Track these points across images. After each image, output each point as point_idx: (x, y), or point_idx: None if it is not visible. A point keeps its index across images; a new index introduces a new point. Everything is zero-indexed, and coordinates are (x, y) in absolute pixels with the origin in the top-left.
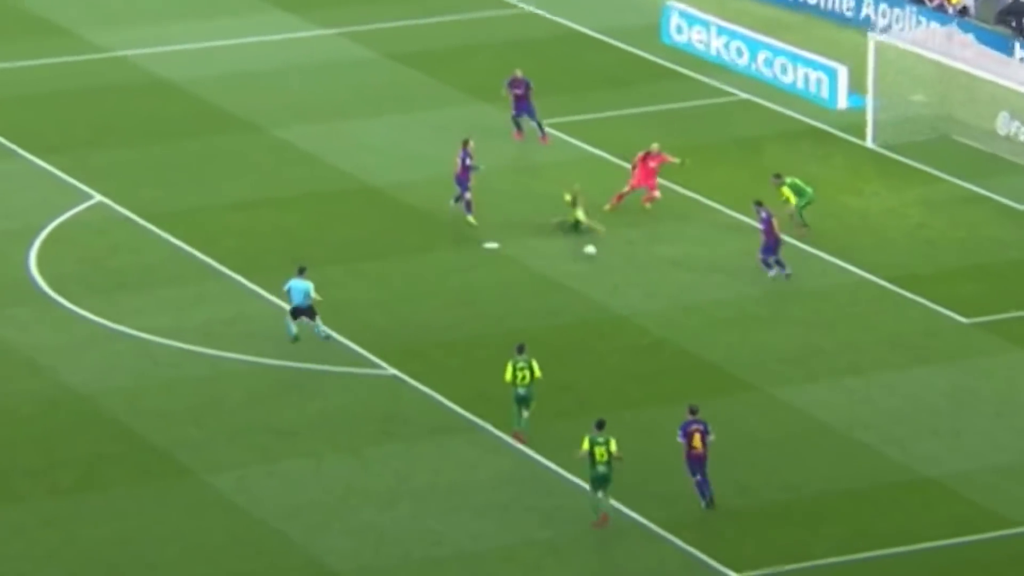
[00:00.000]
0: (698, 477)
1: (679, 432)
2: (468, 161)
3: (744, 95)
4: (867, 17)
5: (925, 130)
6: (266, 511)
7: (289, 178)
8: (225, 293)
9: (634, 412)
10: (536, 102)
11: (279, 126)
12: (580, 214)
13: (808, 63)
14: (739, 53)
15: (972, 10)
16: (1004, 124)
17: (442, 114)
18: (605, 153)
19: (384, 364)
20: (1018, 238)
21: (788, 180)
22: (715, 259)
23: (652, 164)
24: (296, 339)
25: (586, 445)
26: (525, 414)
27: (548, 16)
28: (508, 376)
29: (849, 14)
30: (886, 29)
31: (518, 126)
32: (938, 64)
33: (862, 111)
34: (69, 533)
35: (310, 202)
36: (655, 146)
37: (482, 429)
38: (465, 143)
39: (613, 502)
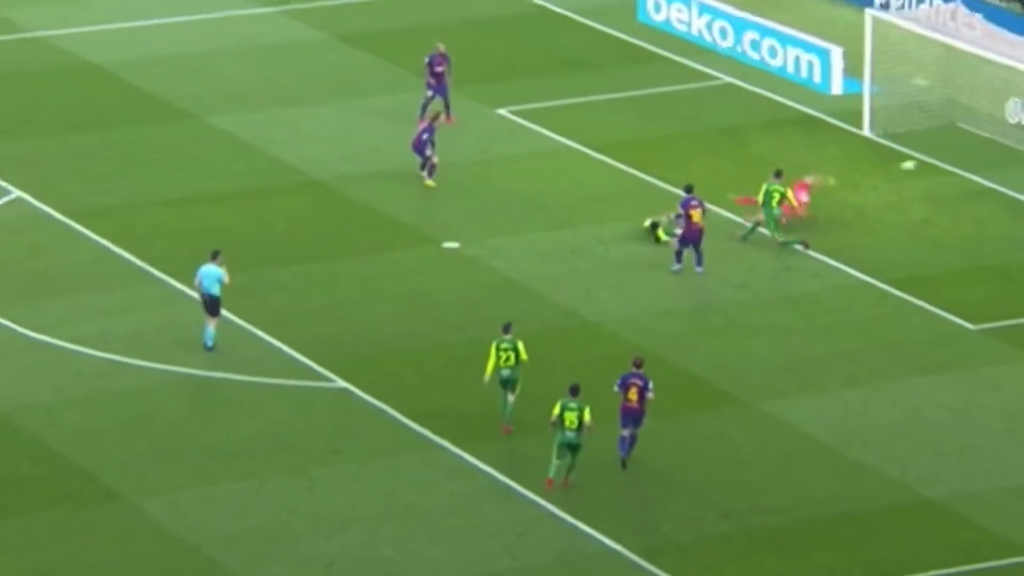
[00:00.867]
0: (625, 432)
1: (617, 382)
2: (425, 136)
3: (728, 79)
4: None
5: (928, 118)
6: (202, 538)
7: (227, 171)
8: (156, 298)
9: (608, 429)
10: (499, 87)
11: (216, 114)
12: (660, 233)
13: (799, 44)
14: (723, 33)
15: None
16: (1014, 111)
17: (395, 100)
18: (574, 143)
19: (332, 376)
20: None
21: (781, 188)
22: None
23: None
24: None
25: (557, 410)
26: (511, 399)
27: None
28: (491, 363)
29: None
30: (885, 6)
31: (447, 108)
32: (942, 45)
33: (858, 97)
34: None
35: (250, 198)
36: (810, 179)
37: (440, 447)
38: (435, 117)
39: (583, 526)
